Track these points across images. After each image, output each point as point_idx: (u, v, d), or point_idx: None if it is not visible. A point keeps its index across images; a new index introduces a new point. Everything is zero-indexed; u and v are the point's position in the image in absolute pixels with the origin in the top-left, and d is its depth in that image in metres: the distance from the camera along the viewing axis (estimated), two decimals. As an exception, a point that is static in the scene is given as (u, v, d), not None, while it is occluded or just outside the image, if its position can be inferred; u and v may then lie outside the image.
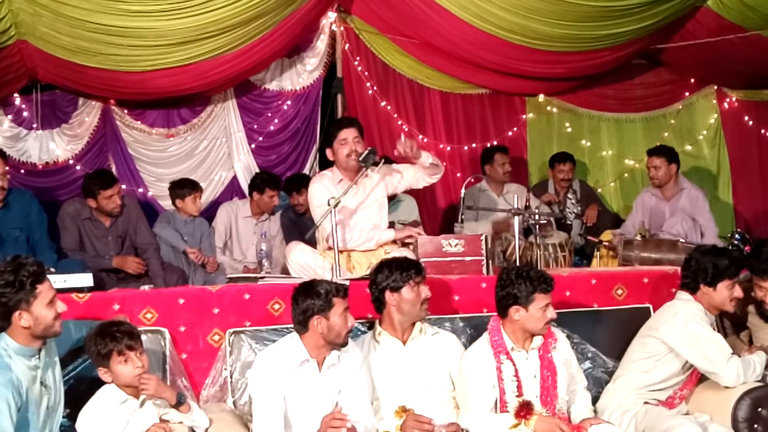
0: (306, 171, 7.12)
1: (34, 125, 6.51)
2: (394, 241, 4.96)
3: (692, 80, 8.11)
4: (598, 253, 6.03)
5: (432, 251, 4.75)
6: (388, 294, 3.83)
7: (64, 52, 5.77)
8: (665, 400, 4.05)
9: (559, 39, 6.54)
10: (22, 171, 6.46)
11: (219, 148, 7.07)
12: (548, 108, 8.02)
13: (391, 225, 5.20)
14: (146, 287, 4.52)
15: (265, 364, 3.54)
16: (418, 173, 5.03)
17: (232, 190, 7.08)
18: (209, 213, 6.67)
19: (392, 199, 5.69)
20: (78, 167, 6.61)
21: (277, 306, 4.17)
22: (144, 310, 4.02)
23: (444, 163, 5.71)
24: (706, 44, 6.93)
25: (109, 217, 5.61)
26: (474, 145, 7.69)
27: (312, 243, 4.97)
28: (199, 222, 6.28)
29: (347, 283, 3.82)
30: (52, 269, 4.29)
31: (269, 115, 7.14)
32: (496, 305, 3.83)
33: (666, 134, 8.07)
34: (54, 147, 6.58)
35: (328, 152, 4.98)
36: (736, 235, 6.25)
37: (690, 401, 4.13)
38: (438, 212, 7.53)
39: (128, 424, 3.33)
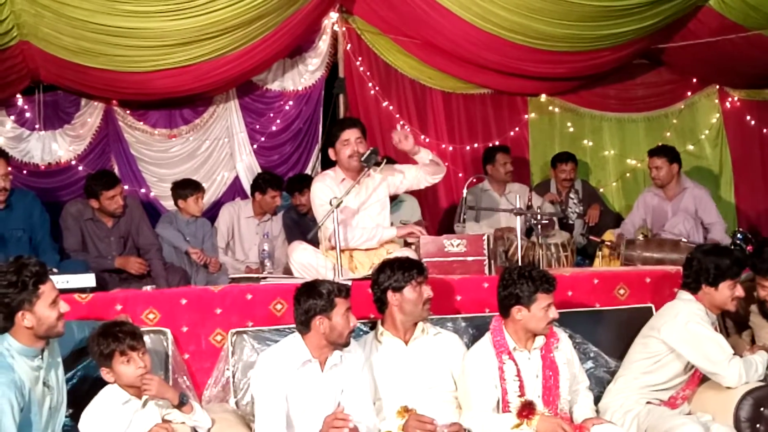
0: (308, 171, 7.12)
1: (37, 126, 6.52)
2: (394, 240, 4.97)
3: (694, 80, 8.11)
4: (600, 252, 6.03)
5: (434, 251, 4.75)
6: (390, 294, 3.83)
7: (66, 53, 5.77)
8: (667, 401, 4.05)
9: (560, 39, 6.54)
10: (25, 172, 6.46)
11: (221, 148, 7.07)
12: (550, 108, 8.02)
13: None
14: (148, 288, 4.52)
15: (268, 365, 3.55)
16: (420, 173, 5.02)
17: (234, 191, 7.08)
18: (211, 213, 6.67)
19: (394, 199, 5.69)
20: (80, 168, 6.62)
21: (279, 306, 4.17)
22: (146, 311, 4.02)
23: (446, 163, 5.71)
24: (707, 44, 6.93)
25: (112, 217, 5.62)
26: (476, 145, 7.70)
27: (314, 243, 4.98)
28: (201, 222, 6.29)
29: (349, 283, 3.83)
30: (55, 270, 4.29)
31: (271, 115, 7.14)
32: (498, 305, 3.83)
33: (668, 134, 8.07)
34: (56, 148, 6.58)
35: (331, 152, 4.99)
36: (738, 235, 6.24)
37: (692, 401, 4.12)
38: (440, 212, 7.53)
39: (131, 425, 3.33)
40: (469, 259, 4.76)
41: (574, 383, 3.87)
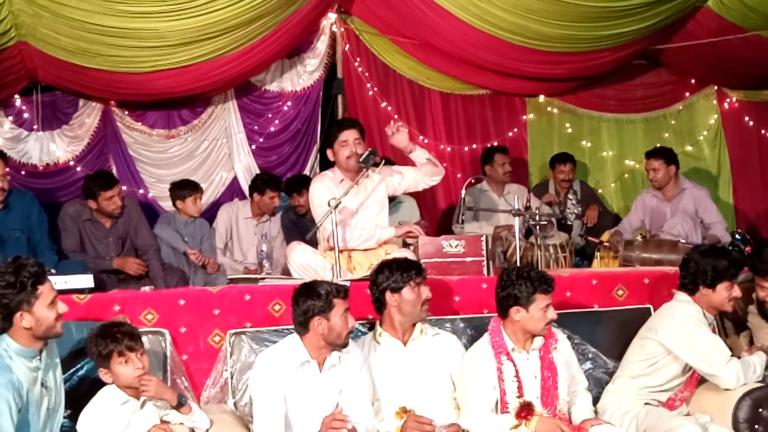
0: (306, 172, 7.12)
1: (35, 126, 6.51)
2: (392, 240, 4.96)
3: (692, 81, 8.11)
4: (598, 253, 6.03)
5: (432, 252, 4.75)
6: (388, 295, 3.83)
7: (64, 54, 5.77)
8: (666, 402, 4.05)
9: (559, 40, 6.54)
10: (23, 172, 6.46)
11: (219, 149, 7.07)
12: (548, 109, 8.02)
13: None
14: (147, 288, 4.52)
15: (266, 365, 3.54)
16: (419, 175, 5.02)
17: (232, 191, 7.08)
18: (210, 214, 6.67)
19: (393, 200, 5.69)
20: (78, 168, 6.61)
21: (277, 307, 4.17)
22: (144, 311, 4.02)
23: (444, 164, 5.71)
24: (706, 45, 6.93)
25: (110, 218, 5.61)
26: (474, 145, 7.70)
27: (313, 243, 4.98)
28: (199, 223, 6.29)
29: (348, 283, 3.83)
30: (53, 270, 4.29)
31: (270, 116, 7.14)
32: (496, 306, 3.83)
33: (666, 135, 8.08)
34: (54, 148, 6.58)
35: (329, 153, 4.98)
36: (737, 236, 6.25)
37: (690, 402, 4.12)
38: (438, 213, 7.53)
39: (129, 425, 3.33)
40: (468, 259, 4.76)
41: (573, 384, 3.87)
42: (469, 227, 6.25)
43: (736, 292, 4.05)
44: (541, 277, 3.72)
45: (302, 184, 6.38)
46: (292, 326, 3.62)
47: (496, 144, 7.52)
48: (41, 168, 6.55)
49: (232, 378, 3.95)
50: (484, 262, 4.79)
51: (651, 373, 4.04)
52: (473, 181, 6.25)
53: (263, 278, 4.79)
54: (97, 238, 5.59)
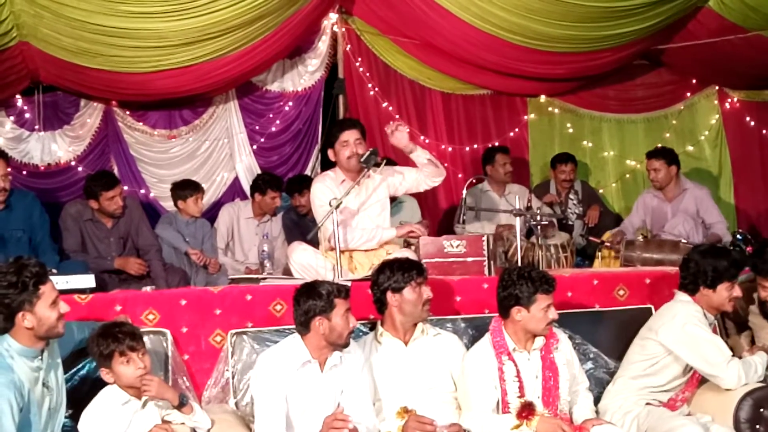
0: (308, 172, 7.12)
1: (36, 127, 6.52)
2: (394, 241, 4.96)
3: (693, 81, 8.11)
4: (599, 253, 6.03)
5: (434, 252, 4.75)
6: (389, 295, 3.83)
7: (65, 54, 5.77)
8: (666, 402, 4.04)
9: (560, 40, 6.54)
10: (24, 172, 6.46)
11: (221, 149, 7.07)
12: (549, 109, 8.02)
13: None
14: (148, 288, 4.52)
15: (267, 365, 3.55)
16: (420, 176, 5.02)
17: (233, 192, 7.08)
18: (211, 214, 6.67)
19: (394, 200, 5.69)
20: (80, 168, 6.62)
21: (278, 307, 4.17)
22: (146, 311, 4.02)
23: (445, 164, 5.71)
24: (707, 45, 6.93)
25: (111, 218, 5.62)
26: (475, 145, 7.70)
27: (314, 243, 4.98)
28: (200, 223, 6.29)
29: (349, 283, 3.83)
30: (54, 270, 4.29)
31: (271, 116, 7.14)
32: (497, 306, 3.83)
33: (667, 135, 8.08)
34: (56, 148, 6.58)
35: (330, 153, 4.99)
36: (738, 236, 6.25)
37: (692, 402, 4.12)
38: (439, 213, 7.54)
39: (130, 425, 3.33)
40: (469, 259, 4.76)
41: (574, 384, 3.87)
42: (472, 227, 6.25)
43: (737, 292, 4.04)
44: (542, 277, 3.71)
45: (303, 184, 6.38)
46: (294, 326, 3.62)
47: (497, 144, 7.52)
48: (43, 168, 6.56)
49: (233, 378, 3.95)
50: (486, 262, 4.79)
51: (652, 373, 4.04)
52: (474, 181, 6.25)
53: (264, 278, 4.80)
54: (98, 238, 5.59)
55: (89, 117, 6.70)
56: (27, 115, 6.50)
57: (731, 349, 4.10)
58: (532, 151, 7.99)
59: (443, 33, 6.61)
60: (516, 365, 3.72)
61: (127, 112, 6.81)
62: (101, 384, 3.41)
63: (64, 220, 5.57)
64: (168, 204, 6.60)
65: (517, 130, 7.93)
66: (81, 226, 5.55)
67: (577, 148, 7.91)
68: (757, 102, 8.21)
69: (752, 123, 8.20)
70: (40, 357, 3.14)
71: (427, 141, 7.39)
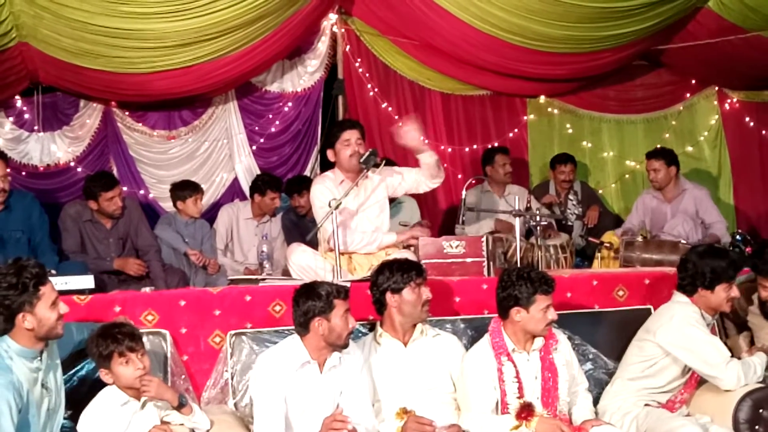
0: (307, 173, 7.12)
1: (36, 127, 6.52)
2: (396, 245, 4.97)
3: (693, 81, 8.11)
4: (599, 254, 6.03)
5: (433, 253, 4.76)
6: (389, 295, 3.83)
7: (65, 54, 5.77)
8: (665, 404, 4.04)
9: (559, 40, 6.54)
10: (24, 173, 6.46)
11: (220, 149, 7.07)
12: (549, 109, 8.02)
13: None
14: (147, 289, 4.52)
15: (266, 366, 3.54)
16: (420, 177, 5.02)
17: (233, 192, 7.08)
18: (210, 215, 6.67)
19: (393, 201, 5.69)
20: (79, 169, 6.61)
21: (278, 308, 4.17)
22: (145, 312, 4.02)
23: (445, 165, 5.70)
24: (706, 45, 6.93)
25: (110, 219, 5.61)
26: (475, 146, 7.70)
27: (313, 244, 4.98)
28: (200, 224, 6.29)
29: (348, 284, 3.83)
30: (53, 271, 4.28)
31: (270, 116, 7.14)
32: (497, 307, 3.83)
33: (667, 135, 8.08)
34: (55, 149, 6.58)
35: (330, 154, 4.99)
36: (738, 237, 6.25)
37: (691, 403, 4.11)
38: (439, 214, 7.53)
39: (129, 426, 3.33)
40: (468, 260, 4.77)
41: (573, 385, 3.87)
42: (471, 229, 6.25)
43: (735, 292, 4.04)
44: (542, 277, 3.71)
45: (303, 185, 6.38)
46: (293, 327, 3.62)
47: (496, 145, 7.52)
48: (42, 169, 6.55)
49: (232, 379, 3.95)
50: (485, 263, 4.79)
51: (650, 375, 4.03)
52: (474, 181, 6.25)
53: (264, 279, 4.80)
54: (97, 238, 5.59)
55: (88, 118, 6.70)
56: (26, 116, 6.49)
57: (730, 349, 4.10)
58: (532, 152, 7.99)
59: (443, 33, 6.61)
60: (515, 366, 3.72)
61: (127, 113, 6.81)
62: (100, 385, 3.41)
63: (64, 220, 5.56)
64: (167, 205, 6.60)
65: (516, 130, 7.93)
66: (80, 227, 5.55)
67: (577, 149, 7.90)
68: (756, 102, 8.21)
69: (752, 123, 8.20)
70: (39, 358, 3.14)
71: (426, 142, 7.27)
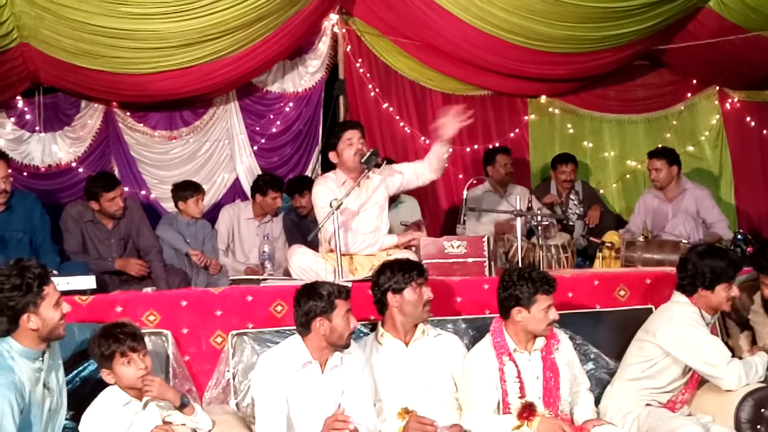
0: (308, 173, 7.12)
1: (37, 128, 6.52)
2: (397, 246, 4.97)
3: (694, 81, 8.11)
4: (600, 254, 6.02)
5: (434, 253, 4.76)
6: (390, 296, 3.83)
7: (66, 55, 5.78)
8: (666, 404, 4.04)
9: (560, 40, 6.54)
10: (25, 174, 6.47)
11: (221, 150, 7.08)
12: (550, 109, 8.02)
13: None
14: (149, 289, 4.52)
15: (268, 366, 3.55)
16: (422, 168, 5.03)
17: (234, 192, 7.08)
18: (212, 215, 6.67)
19: (394, 200, 5.69)
20: (80, 170, 6.62)
21: (279, 308, 4.18)
22: (147, 312, 4.02)
23: (445, 165, 5.70)
24: (707, 45, 6.93)
25: (112, 219, 5.62)
26: (476, 146, 7.70)
27: (314, 244, 4.98)
28: (201, 224, 6.29)
29: (349, 284, 3.83)
30: (55, 272, 4.27)
31: (271, 117, 7.14)
32: (498, 306, 3.83)
33: (668, 135, 8.07)
34: (56, 149, 6.58)
35: (332, 155, 4.99)
36: (739, 236, 6.24)
37: (692, 403, 4.11)
38: (440, 213, 7.54)
39: (131, 426, 3.33)
40: (470, 260, 4.77)
41: (575, 385, 3.87)
42: (473, 228, 6.25)
43: (735, 292, 4.03)
44: (543, 277, 3.71)
45: (304, 185, 6.38)
46: (294, 327, 3.62)
47: (497, 145, 7.52)
48: (43, 169, 6.56)
49: (234, 379, 3.95)
50: (486, 263, 4.79)
51: (650, 375, 4.03)
52: (475, 181, 6.25)
53: (265, 279, 4.79)
54: (99, 239, 5.60)
55: (90, 118, 6.70)
56: (27, 117, 6.50)
57: (731, 349, 4.10)
58: (533, 152, 7.99)
59: (444, 34, 6.61)
60: (517, 366, 3.72)
61: (128, 114, 6.81)
62: (102, 385, 3.41)
63: (65, 221, 5.57)
64: (169, 205, 6.61)
65: (517, 130, 7.93)
66: (82, 228, 5.55)
67: (578, 149, 7.90)
68: (757, 102, 8.20)
69: (753, 123, 8.20)
70: (41, 358, 3.14)
71: (427, 142, 7.38)
